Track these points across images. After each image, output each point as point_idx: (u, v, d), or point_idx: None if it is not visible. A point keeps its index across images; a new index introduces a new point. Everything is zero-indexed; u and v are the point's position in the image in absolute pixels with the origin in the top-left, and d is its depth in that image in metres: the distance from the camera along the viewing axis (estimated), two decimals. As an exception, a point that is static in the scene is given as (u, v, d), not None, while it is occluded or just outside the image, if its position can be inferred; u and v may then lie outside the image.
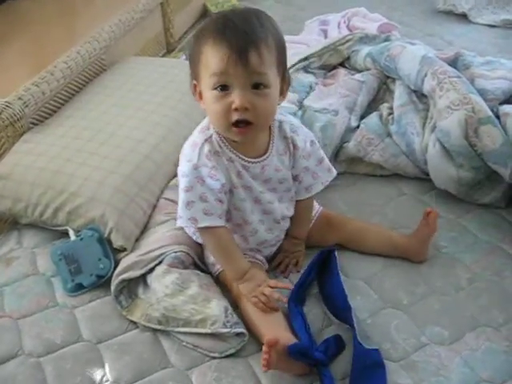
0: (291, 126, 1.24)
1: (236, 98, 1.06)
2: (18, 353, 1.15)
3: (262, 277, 1.20)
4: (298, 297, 1.22)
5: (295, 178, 1.27)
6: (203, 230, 1.17)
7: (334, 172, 1.32)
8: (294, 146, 1.23)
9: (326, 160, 1.31)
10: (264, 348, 1.02)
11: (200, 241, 1.30)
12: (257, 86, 1.08)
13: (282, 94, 1.16)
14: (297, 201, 1.31)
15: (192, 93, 1.17)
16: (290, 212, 1.30)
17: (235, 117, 1.08)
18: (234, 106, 1.07)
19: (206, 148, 1.16)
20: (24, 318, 1.23)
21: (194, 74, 1.14)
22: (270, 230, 1.27)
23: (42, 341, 1.17)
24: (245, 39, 1.05)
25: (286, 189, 1.26)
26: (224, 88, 1.07)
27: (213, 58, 1.06)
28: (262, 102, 1.09)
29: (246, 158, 1.18)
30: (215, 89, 1.08)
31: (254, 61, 1.05)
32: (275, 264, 1.34)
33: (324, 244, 1.36)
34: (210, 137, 1.17)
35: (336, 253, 1.30)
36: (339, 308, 1.20)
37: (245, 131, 1.10)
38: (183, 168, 1.17)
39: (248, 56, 1.04)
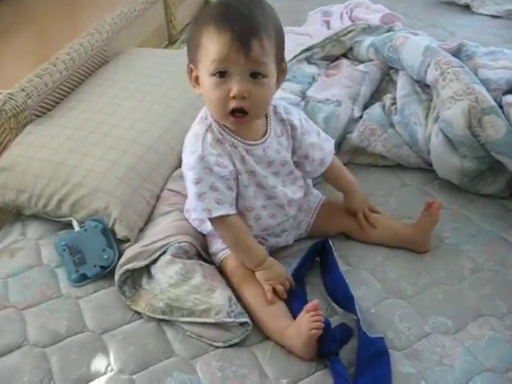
0: (285, 109, 1.26)
1: (234, 85, 1.07)
2: (23, 343, 1.16)
3: (282, 268, 1.22)
4: (297, 279, 1.23)
5: (305, 157, 1.29)
6: (217, 220, 1.18)
7: (332, 139, 1.35)
8: (292, 127, 1.25)
9: (321, 130, 1.34)
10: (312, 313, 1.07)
11: (204, 231, 1.31)
12: (255, 75, 1.09)
13: (277, 83, 1.17)
14: (325, 174, 1.35)
15: (188, 77, 1.18)
16: (296, 195, 1.30)
17: (232, 104, 1.09)
18: (231, 94, 1.08)
19: (209, 137, 1.17)
20: (29, 309, 1.23)
21: (192, 59, 1.15)
22: (274, 216, 1.27)
23: (47, 331, 1.18)
24: (248, 28, 1.05)
25: (288, 172, 1.27)
26: (222, 74, 1.08)
27: (214, 44, 1.06)
28: (259, 91, 1.10)
29: (248, 142, 1.19)
30: (214, 75, 1.08)
31: (256, 50, 1.06)
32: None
33: (328, 233, 1.37)
34: (210, 125, 1.18)
35: (331, 242, 1.29)
36: (342, 298, 1.20)
37: (241, 120, 1.12)
38: (189, 161, 1.17)
39: (250, 45, 1.05)
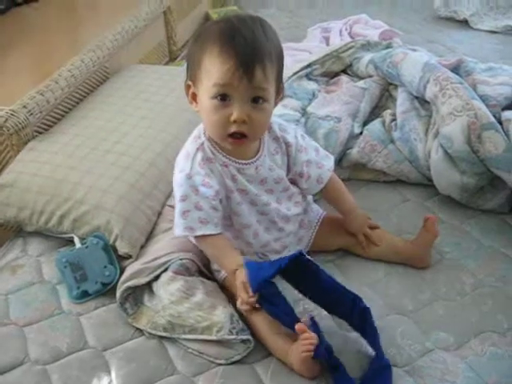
0: (280, 126, 1.27)
1: (235, 110, 1.08)
2: (24, 360, 1.16)
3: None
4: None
5: (300, 175, 1.29)
6: (200, 239, 1.19)
7: (332, 156, 1.35)
8: (286, 144, 1.26)
9: (321, 148, 1.34)
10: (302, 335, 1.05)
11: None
12: (256, 100, 1.10)
13: (274, 104, 1.18)
14: (322, 191, 1.34)
15: (185, 93, 1.19)
16: (292, 211, 1.30)
17: (232, 128, 1.10)
18: (232, 119, 1.09)
19: (199, 156, 1.18)
20: (30, 326, 1.23)
21: (191, 76, 1.15)
22: (268, 230, 1.28)
23: (48, 348, 1.18)
24: (252, 55, 1.06)
25: (282, 189, 1.28)
26: (224, 98, 1.09)
27: (217, 67, 1.07)
28: (260, 116, 1.11)
29: (239, 161, 1.20)
30: (215, 98, 1.09)
31: (259, 77, 1.07)
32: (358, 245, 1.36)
33: (328, 248, 1.38)
34: (202, 144, 1.19)
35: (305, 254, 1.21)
36: (343, 302, 1.18)
37: (240, 142, 1.13)
38: (177, 178, 1.19)
39: (254, 72, 1.06)
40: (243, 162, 1.20)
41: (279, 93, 1.18)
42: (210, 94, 1.10)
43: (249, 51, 1.06)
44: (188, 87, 1.17)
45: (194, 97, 1.17)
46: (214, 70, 1.08)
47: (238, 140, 1.13)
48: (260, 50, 1.07)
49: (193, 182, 1.16)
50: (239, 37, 1.06)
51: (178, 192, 1.18)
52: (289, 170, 1.28)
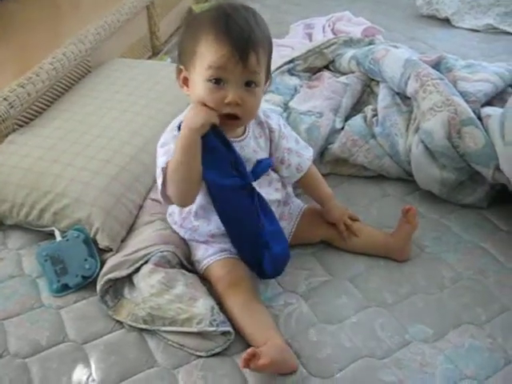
0: (264, 112, 1.31)
1: (230, 93, 1.12)
2: (3, 354, 1.15)
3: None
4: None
5: (281, 161, 1.32)
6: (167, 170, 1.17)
7: (311, 148, 1.38)
8: (270, 129, 1.30)
9: (300, 139, 1.38)
10: (244, 356, 1.03)
11: (186, 236, 1.31)
12: (249, 84, 1.14)
13: (263, 91, 1.22)
14: (300, 181, 1.37)
15: (176, 77, 1.22)
16: (272, 196, 1.30)
17: (226, 110, 1.14)
18: (226, 101, 1.12)
19: None
20: (9, 319, 1.22)
21: (183, 61, 1.18)
22: None
23: (28, 341, 1.17)
24: (246, 41, 1.11)
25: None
26: (218, 81, 1.12)
27: (213, 52, 1.11)
28: (252, 99, 1.16)
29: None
30: (209, 81, 1.12)
31: (252, 61, 1.12)
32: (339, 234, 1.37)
33: (309, 241, 1.39)
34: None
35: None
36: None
37: (234, 123, 1.17)
38: (161, 140, 1.23)
39: (248, 57, 1.11)
40: (229, 138, 1.21)
41: (267, 80, 1.23)
42: (204, 77, 1.13)
43: (244, 37, 1.11)
44: (180, 71, 1.20)
45: (185, 81, 1.20)
46: (209, 54, 1.11)
47: (231, 121, 1.16)
48: (254, 37, 1.12)
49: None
50: (233, 23, 1.11)
51: (160, 145, 1.22)
52: (270, 155, 1.30)
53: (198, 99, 1.16)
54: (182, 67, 1.20)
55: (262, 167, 1.26)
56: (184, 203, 1.23)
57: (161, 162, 1.18)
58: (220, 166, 1.18)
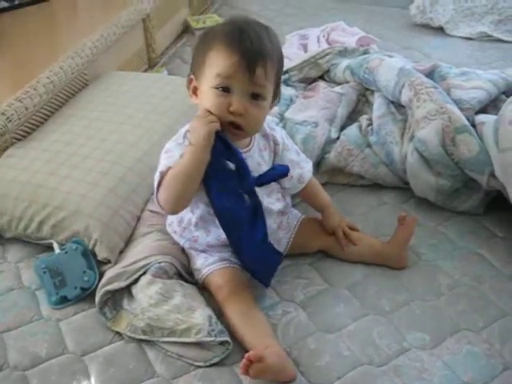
0: (269, 124, 1.33)
1: (234, 101, 1.15)
2: (3, 366, 1.15)
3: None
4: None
5: None
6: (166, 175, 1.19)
7: (310, 160, 1.41)
8: (275, 142, 1.31)
9: (300, 151, 1.40)
10: (244, 360, 1.04)
11: (186, 245, 1.32)
12: (255, 97, 1.16)
13: (270, 107, 1.24)
14: (301, 192, 1.40)
15: (186, 86, 1.25)
16: (274, 206, 1.32)
17: (230, 118, 1.16)
18: (231, 109, 1.15)
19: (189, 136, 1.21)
20: (9, 332, 1.22)
21: (194, 71, 1.22)
22: None
23: (27, 354, 1.17)
24: (256, 53, 1.14)
25: None
26: (225, 90, 1.15)
27: (222, 60, 1.14)
28: (256, 111, 1.17)
29: None
30: (216, 88, 1.15)
31: (260, 73, 1.15)
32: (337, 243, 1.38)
33: (307, 250, 1.40)
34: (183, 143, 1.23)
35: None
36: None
37: (236, 133, 1.18)
38: (165, 148, 1.24)
39: (256, 68, 1.14)
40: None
41: (275, 97, 1.24)
42: (211, 84, 1.16)
43: (253, 49, 1.14)
44: (190, 81, 1.24)
45: (195, 91, 1.22)
46: (218, 63, 1.15)
47: (233, 130, 1.17)
48: (264, 50, 1.15)
49: (182, 148, 1.20)
50: (245, 36, 1.14)
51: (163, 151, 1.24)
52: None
53: (205, 107, 1.18)
54: (192, 77, 1.23)
55: (273, 175, 1.27)
56: (171, 210, 1.23)
57: (162, 165, 1.20)
58: (222, 169, 1.19)
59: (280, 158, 1.32)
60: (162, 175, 1.18)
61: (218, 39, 1.16)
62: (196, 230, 1.29)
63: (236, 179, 1.20)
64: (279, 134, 1.34)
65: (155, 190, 1.20)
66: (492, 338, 1.19)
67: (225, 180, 1.20)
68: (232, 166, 1.20)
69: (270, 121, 1.36)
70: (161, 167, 1.20)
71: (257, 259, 1.23)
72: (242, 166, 1.20)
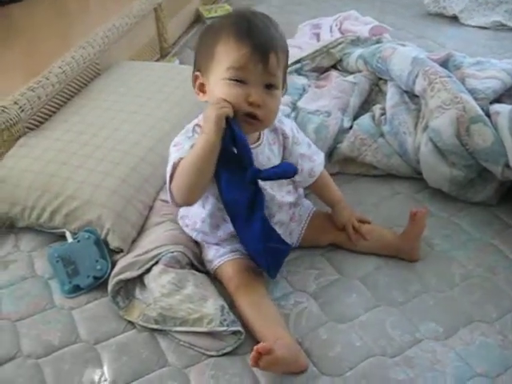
0: (278, 118, 1.29)
1: (253, 93, 1.13)
2: (16, 354, 1.16)
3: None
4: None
5: None
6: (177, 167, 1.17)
7: (322, 152, 1.39)
8: (284, 135, 1.29)
9: (312, 143, 1.38)
10: (254, 353, 1.03)
11: (198, 238, 1.32)
12: (269, 87, 1.15)
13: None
14: (312, 186, 1.38)
15: (192, 84, 1.22)
16: (286, 198, 1.31)
17: (249, 109, 1.13)
18: (250, 100, 1.13)
19: (199, 130, 1.20)
20: (22, 320, 1.23)
21: (201, 67, 1.19)
22: None
23: (41, 342, 1.18)
24: (267, 42, 1.13)
25: None
26: (239, 82, 1.12)
27: (233, 53, 1.12)
28: (272, 102, 1.16)
29: None
30: (230, 80, 1.12)
31: (273, 62, 1.13)
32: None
33: (318, 244, 1.39)
34: (193, 136, 1.21)
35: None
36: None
37: (253, 123, 1.16)
38: (175, 140, 1.22)
39: (268, 58, 1.12)
40: None
41: (283, 86, 1.23)
42: (224, 77, 1.13)
43: (264, 39, 1.12)
44: (196, 78, 1.20)
45: (202, 88, 1.20)
46: (228, 56, 1.12)
47: (252, 120, 1.15)
48: (274, 40, 1.14)
49: (192, 140, 1.18)
50: (254, 27, 1.13)
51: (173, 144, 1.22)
52: (282, 161, 1.30)
53: (220, 97, 1.14)
54: (198, 73, 1.20)
55: (276, 173, 1.21)
56: (184, 201, 1.20)
57: (173, 157, 1.18)
58: (231, 159, 1.16)
59: (290, 152, 1.31)
60: (175, 166, 1.16)
61: (226, 32, 1.13)
62: (206, 226, 1.28)
63: (243, 169, 1.18)
64: (288, 126, 1.32)
65: (168, 182, 1.19)
66: (505, 329, 1.18)
67: (233, 170, 1.17)
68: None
69: (279, 115, 1.32)
70: (172, 159, 1.18)
71: (260, 250, 1.21)
72: (245, 154, 1.16)
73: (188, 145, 1.18)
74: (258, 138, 1.25)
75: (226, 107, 1.12)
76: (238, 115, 1.14)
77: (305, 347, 1.15)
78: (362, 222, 1.39)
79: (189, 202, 1.22)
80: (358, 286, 1.29)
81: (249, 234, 1.21)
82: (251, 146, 1.20)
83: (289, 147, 1.30)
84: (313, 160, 1.34)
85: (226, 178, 1.17)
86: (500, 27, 2.61)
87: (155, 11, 2.37)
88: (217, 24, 1.20)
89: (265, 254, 1.21)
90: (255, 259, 1.25)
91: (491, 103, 1.55)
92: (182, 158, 1.16)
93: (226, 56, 1.13)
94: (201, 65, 1.19)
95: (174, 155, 1.19)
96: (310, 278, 1.31)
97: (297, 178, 1.32)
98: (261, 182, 1.22)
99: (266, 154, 1.25)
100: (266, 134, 1.27)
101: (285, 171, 1.22)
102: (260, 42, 1.12)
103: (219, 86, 1.14)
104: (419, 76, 1.60)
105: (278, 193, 1.28)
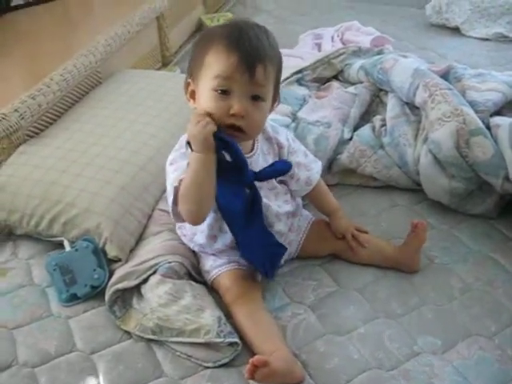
0: (272, 127, 1.30)
1: (235, 103, 1.12)
2: (12, 363, 1.15)
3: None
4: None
5: (291, 176, 1.31)
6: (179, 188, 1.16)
7: (319, 161, 1.39)
8: (279, 145, 1.29)
9: (308, 152, 1.38)
10: (249, 366, 1.03)
11: (196, 249, 1.32)
12: (255, 98, 1.14)
13: (270, 110, 1.22)
14: (307, 193, 1.37)
15: (184, 90, 1.22)
16: (282, 208, 1.30)
17: (231, 120, 1.13)
18: (232, 111, 1.12)
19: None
20: (19, 328, 1.23)
21: (192, 74, 1.19)
22: None
23: (37, 351, 1.17)
24: (256, 53, 1.12)
25: (271, 187, 1.29)
26: (224, 92, 1.12)
27: (221, 61, 1.11)
28: (257, 113, 1.15)
29: None
30: (215, 90, 1.12)
31: (260, 73, 1.12)
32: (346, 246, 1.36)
33: (317, 254, 1.38)
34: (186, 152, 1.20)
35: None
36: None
37: (236, 136, 1.15)
38: (170, 159, 1.22)
39: (255, 68, 1.12)
40: None
41: (275, 100, 1.22)
42: (210, 86, 1.13)
43: (252, 50, 1.12)
44: (187, 85, 1.21)
45: (193, 95, 1.20)
46: (216, 64, 1.12)
47: (234, 132, 1.14)
48: (263, 51, 1.14)
49: (185, 155, 1.19)
50: (244, 37, 1.12)
51: (168, 163, 1.22)
52: None
53: (203, 110, 1.15)
54: (189, 80, 1.20)
55: (272, 171, 1.24)
56: (195, 221, 1.19)
57: (172, 179, 1.18)
58: (223, 165, 1.16)
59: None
60: (177, 189, 1.15)
61: (217, 40, 1.13)
62: (204, 237, 1.28)
63: (236, 173, 1.18)
64: (283, 136, 1.31)
65: (171, 204, 1.18)
66: (504, 343, 1.17)
67: (228, 177, 1.17)
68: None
69: (272, 124, 1.33)
70: (172, 181, 1.17)
71: (257, 252, 1.22)
72: (239, 159, 1.15)
73: (185, 162, 1.17)
74: (252, 149, 1.25)
75: (209, 123, 1.11)
76: (221, 127, 1.13)
77: (302, 359, 1.14)
78: (359, 231, 1.38)
79: (200, 221, 1.19)
80: (357, 298, 1.29)
81: (246, 238, 1.21)
82: (245, 156, 1.20)
83: (284, 157, 1.30)
84: (310, 169, 1.34)
85: (221, 185, 1.17)
86: (502, 39, 2.62)
87: (157, 20, 2.38)
88: (210, 32, 1.20)
89: (262, 256, 1.22)
90: (253, 262, 1.25)
91: (492, 116, 1.55)
92: (181, 180, 1.15)
93: (215, 64, 1.13)
94: (192, 72, 1.19)
95: (172, 176, 1.18)
96: (308, 290, 1.31)
97: (293, 186, 1.33)
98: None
99: (260, 164, 1.25)
100: (261, 144, 1.27)
101: (281, 168, 1.25)
102: (248, 52, 1.11)
103: (204, 96, 1.15)
104: (420, 88, 1.60)
105: (273, 202, 1.28)
